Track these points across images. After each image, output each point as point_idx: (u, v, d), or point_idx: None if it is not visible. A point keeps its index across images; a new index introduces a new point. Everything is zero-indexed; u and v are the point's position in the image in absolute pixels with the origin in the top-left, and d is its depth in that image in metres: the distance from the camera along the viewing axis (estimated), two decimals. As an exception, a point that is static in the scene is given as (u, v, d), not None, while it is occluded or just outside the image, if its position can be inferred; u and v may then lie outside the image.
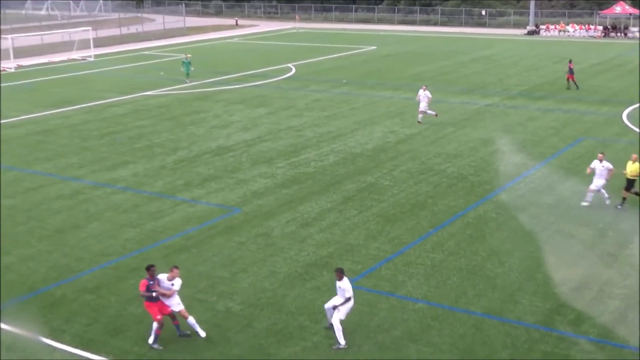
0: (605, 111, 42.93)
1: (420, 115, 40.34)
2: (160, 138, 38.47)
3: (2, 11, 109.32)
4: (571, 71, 50.29)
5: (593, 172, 26.41)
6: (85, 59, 71.86)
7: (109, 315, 19.10)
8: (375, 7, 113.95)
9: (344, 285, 17.38)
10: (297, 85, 54.38)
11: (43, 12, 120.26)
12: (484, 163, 32.46)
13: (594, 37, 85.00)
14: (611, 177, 26.18)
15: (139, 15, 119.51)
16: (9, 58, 66.90)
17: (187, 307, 19.06)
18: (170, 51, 77.11)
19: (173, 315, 17.68)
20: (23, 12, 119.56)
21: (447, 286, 20.44)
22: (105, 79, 59.55)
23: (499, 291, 20.06)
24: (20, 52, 71.53)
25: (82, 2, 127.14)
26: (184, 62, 57.05)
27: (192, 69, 56.85)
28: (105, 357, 17.01)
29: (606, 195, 26.36)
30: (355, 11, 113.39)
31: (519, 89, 50.64)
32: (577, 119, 41.04)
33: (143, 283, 17.29)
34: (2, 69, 65.68)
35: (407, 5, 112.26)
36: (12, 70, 65.34)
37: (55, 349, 17.49)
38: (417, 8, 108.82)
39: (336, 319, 17.27)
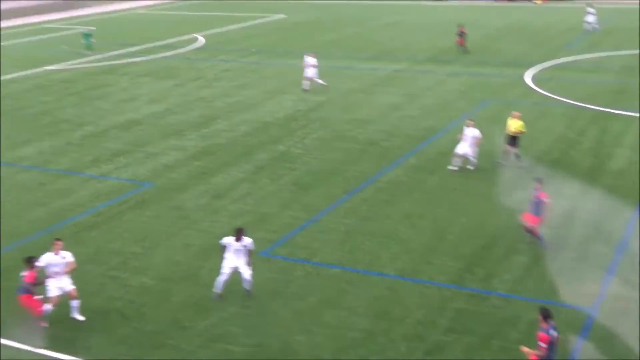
0: (509, 73, 44.00)
1: (306, 83, 40.30)
2: (65, 114, 37.38)
3: None
4: (461, 35, 51.08)
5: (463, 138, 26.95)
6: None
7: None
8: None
9: (247, 241, 17.80)
10: (206, 55, 53.66)
11: None
12: (394, 128, 32.87)
13: (498, 1, 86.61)
14: (478, 144, 26.78)
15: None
16: None
17: (100, 285, 18.84)
18: (74, 23, 74.71)
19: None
20: None
21: (361, 251, 20.71)
22: (5, 54, 57.27)
23: (412, 253, 20.47)
24: None
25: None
26: (84, 34, 55.81)
27: (94, 41, 55.54)
28: (15, 342, 16.56)
29: (473, 159, 26.89)
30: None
31: (427, 54, 51.31)
32: (483, 82, 41.96)
33: (31, 275, 16.70)
34: None
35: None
36: None
37: (-38, 334, 16.95)
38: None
39: (249, 273, 17.89)
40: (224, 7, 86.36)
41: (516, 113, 27.64)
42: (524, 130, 27.23)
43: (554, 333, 13.22)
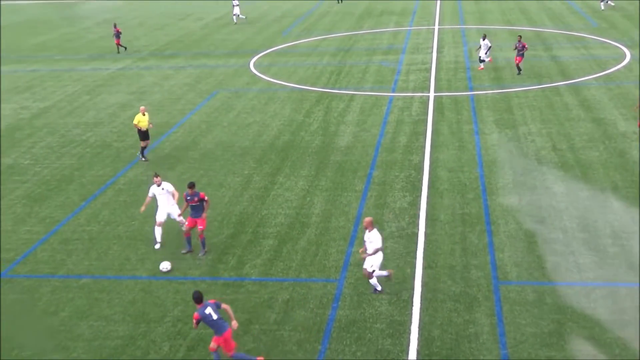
0: (233, 63, 44.83)
1: None
2: None
3: None
4: (117, 35, 50.17)
5: (154, 201, 20.99)
6: None
7: None
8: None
9: None
10: None
11: None
12: (126, 127, 32.19)
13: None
14: (178, 199, 20.91)
15: None
16: None
17: None
18: None
19: None
20: None
21: (109, 256, 20.16)
22: None
23: (161, 252, 20.28)
24: None
25: None
26: None
27: None
28: None
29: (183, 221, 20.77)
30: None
31: (149, 49, 50.71)
32: (209, 73, 42.37)
33: None
34: None
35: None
36: None
37: None
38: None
39: None
40: None
41: (142, 108, 27.93)
42: (150, 124, 27.83)
43: (206, 312, 14.54)
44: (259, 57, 45.92)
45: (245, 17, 60.56)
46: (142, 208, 21.27)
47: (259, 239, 20.76)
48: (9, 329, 16.64)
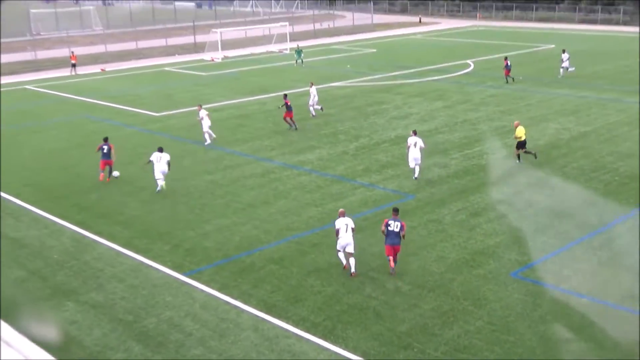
0: None
1: (311, 109, 41.66)
2: (344, 126, 39.00)
3: (214, 8, 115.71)
4: (507, 67, 50.31)
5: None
6: (281, 52, 74.12)
7: (291, 284, 19.67)
8: (556, 5, 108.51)
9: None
10: (475, 80, 53.13)
11: (248, 9, 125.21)
12: (660, 164, 30.21)
13: None
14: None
15: (331, 12, 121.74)
16: (217, 50, 70.36)
17: (360, 283, 19.34)
18: (358, 46, 77.81)
19: None
20: (231, 9, 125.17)
21: (613, 284, 19.25)
22: (298, 70, 61.12)
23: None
24: (226, 45, 74.98)
25: (281, 1, 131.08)
26: (296, 50, 63.66)
27: (303, 56, 63.34)
28: (285, 322, 17.56)
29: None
30: (536, 10, 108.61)
31: (702, 91, 46.53)
32: None
33: None
34: (211, 59, 69.23)
35: (588, 4, 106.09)
36: (219, 61, 68.64)
37: (242, 310, 18.28)
38: (599, 7, 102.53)
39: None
40: (495, 35, 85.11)
41: (516, 122, 30.75)
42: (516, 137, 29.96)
43: (393, 222, 19.80)
44: None
45: (573, 69, 52.57)
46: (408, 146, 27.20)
47: None
48: (511, 325, 17.07)
